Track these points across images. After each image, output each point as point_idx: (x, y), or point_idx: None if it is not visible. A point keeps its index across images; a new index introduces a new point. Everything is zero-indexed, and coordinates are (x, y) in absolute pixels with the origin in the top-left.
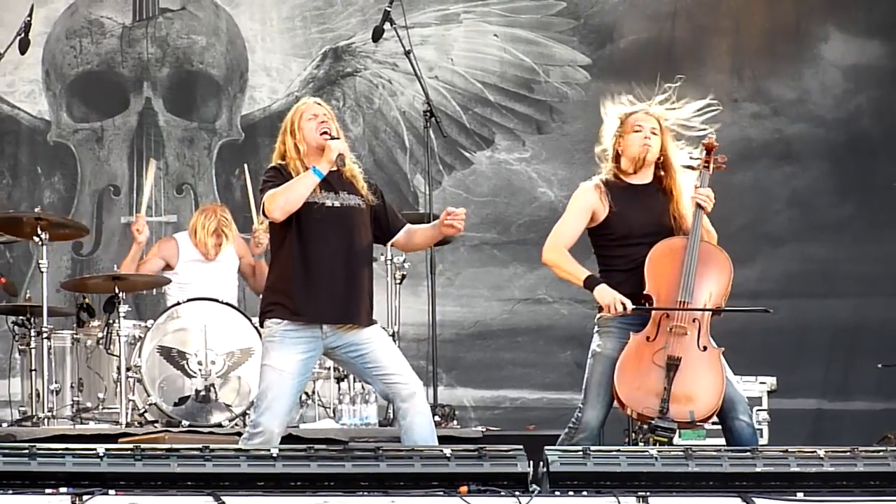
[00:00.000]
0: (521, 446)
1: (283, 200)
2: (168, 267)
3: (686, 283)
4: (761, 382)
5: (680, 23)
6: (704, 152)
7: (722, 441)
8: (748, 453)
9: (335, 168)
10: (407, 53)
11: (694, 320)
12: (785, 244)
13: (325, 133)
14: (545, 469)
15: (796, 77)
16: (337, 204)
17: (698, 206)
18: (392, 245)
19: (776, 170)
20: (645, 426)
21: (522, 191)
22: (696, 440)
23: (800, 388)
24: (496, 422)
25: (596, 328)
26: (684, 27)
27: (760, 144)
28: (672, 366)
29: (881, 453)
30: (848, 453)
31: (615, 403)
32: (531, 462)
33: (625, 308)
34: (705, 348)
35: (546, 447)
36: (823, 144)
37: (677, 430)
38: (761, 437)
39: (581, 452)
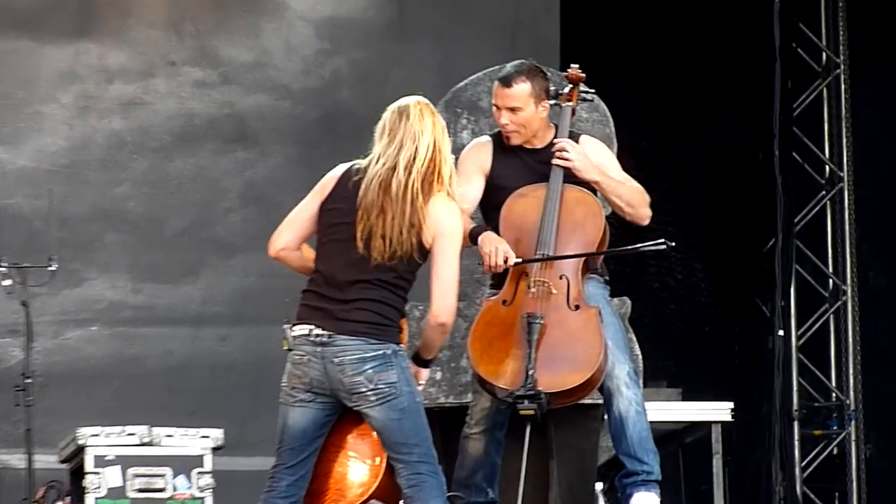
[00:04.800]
0: None
1: None
2: None
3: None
4: (203, 437)
5: None
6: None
7: None
8: None
9: None
10: None
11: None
12: (238, 254)
13: None
14: None
15: (252, 34)
16: None
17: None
18: None
19: (227, 155)
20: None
21: None
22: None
23: (259, 443)
24: None
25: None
26: None
27: (206, 121)
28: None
29: None
30: None
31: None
32: None
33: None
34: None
35: None
36: (290, 122)
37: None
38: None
39: None
